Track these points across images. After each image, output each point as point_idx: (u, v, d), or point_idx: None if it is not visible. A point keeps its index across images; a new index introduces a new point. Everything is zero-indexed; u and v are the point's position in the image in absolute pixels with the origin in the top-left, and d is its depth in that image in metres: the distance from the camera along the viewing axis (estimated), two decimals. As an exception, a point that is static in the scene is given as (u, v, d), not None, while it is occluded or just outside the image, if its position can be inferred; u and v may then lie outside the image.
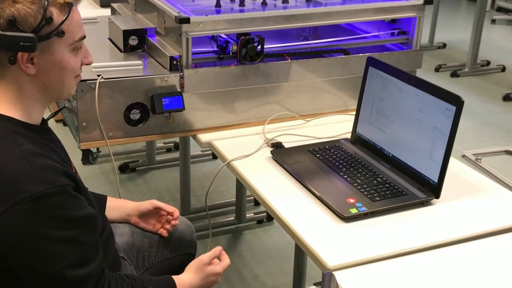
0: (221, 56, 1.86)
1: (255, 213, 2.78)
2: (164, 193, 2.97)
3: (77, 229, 1.14)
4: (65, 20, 1.15)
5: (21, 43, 1.11)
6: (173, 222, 1.59)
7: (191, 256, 1.55)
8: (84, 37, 1.22)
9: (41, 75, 1.17)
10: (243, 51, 1.83)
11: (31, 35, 1.11)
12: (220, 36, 1.91)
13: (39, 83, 1.18)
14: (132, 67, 1.80)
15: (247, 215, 2.74)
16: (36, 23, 1.12)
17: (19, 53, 1.13)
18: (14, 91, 1.17)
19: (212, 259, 1.42)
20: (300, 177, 1.59)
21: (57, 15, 1.14)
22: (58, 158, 1.17)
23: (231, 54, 1.85)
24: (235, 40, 1.86)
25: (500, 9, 6.67)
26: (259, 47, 1.85)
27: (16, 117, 1.17)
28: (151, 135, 1.83)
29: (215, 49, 1.90)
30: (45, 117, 1.30)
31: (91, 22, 2.31)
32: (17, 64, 1.14)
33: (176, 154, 3.27)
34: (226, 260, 1.43)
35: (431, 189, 1.51)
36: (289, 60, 1.93)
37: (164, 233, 1.60)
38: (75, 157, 1.70)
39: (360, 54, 2.00)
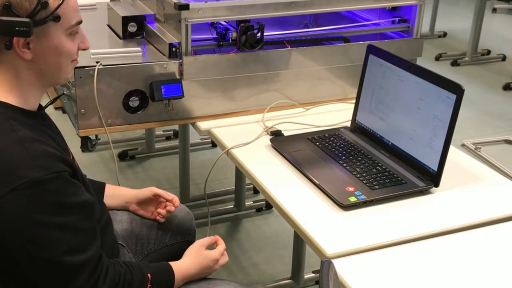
0: (221, 43, 1.85)
1: (254, 201, 2.78)
2: (163, 181, 2.97)
3: (74, 215, 1.14)
4: (60, 4, 1.14)
5: (16, 28, 1.10)
6: (168, 208, 1.58)
7: (190, 244, 1.54)
8: (80, 22, 1.21)
9: (37, 60, 1.17)
10: (242, 38, 1.82)
11: (26, 19, 1.11)
12: (220, 23, 1.90)
13: (35, 68, 1.18)
14: (131, 54, 1.79)
15: (246, 203, 2.75)
16: (31, 8, 1.11)
17: (15, 38, 1.12)
18: (11, 77, 1.17)
19: (209, 244, 1.43)
20: (299, 165, 1.58)
21: (52, 0, 1.14)
22: (55, 144, 1.16)
23: (230, 41, 1.84)
24: (234, 27, 1.85)
25: (501, -2, 6.64)
26: (259, 34, 1.84)
27: (12, 103, 1.16)
28: (150, 122, 1.82)
29: (215, 36, 1.89)
30: (44, 104, 1.29)
31: (90, 8, 2.30)
32: (13, 50, 1.13)
33: (175, 142, 3.27)
34: (221, 245, 1.44)
35: (431, 178, 1.51)
36: (289, 48, 1.92)
37: (159, 219, 1.60)
38: (74, 145, 1.70)
39: (361, 42, 1.99)
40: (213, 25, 1.91)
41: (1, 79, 1.16)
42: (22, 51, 1.14)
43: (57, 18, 1.15)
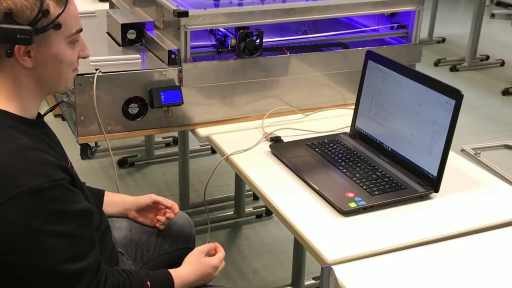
0: (220, 50, 1.85)
1: (254, 208, 2.78)
2: (163, 188, 2.97)
3: (73, 223, 1.14)
4: (61, 12, 1.15)
5: (18, 36, 1.10)
6: (167, 215, 1.58)
7: (190, 251, 1.55)
8: (80, 30, 1.21)
9: (38, 68, 1.17)
10: (241, 45, 1.82)
11: (28, 27, 1.11)
12: (219, 30, 1.90)
13: (35, 76, 1.18)
14: (131, 61, 1.80)
15: (246, 210, 2.74)
16: (32, 16, 1.11)
17: (16, 46, 1.12)
18: (10, 85, 1.17)
19: (208, 251, 1.43)
20: (299, 171, 1.58)
21: (53, 8, 1.14)
22: (53, 152, 1.16)
23: (229, 48, 1.85)
24: (233, 33, 1.85)
25: (499, 4, 6.65)
26: (258, 40, 1.84)
27: (11, 111, 1.16)
28: (149, 129, 1.82)
29: (214, 43, 1.89)
30: (43, 111, 1.29)
31: (89, 16, 2.30)
32: (14, 57, 1.14)
33: (175, 149, 3.26)
34: (221, 252, 1.44)
35: (430, 183, 1.51)
36: (288, 54, 1.92)
37: (159, 226, 1.59)
38: (74, 152, 1.70)
39: (359, 48, 1.99)
40: (212, 31, 1.92)
41: (0, 87, 1.16)
42: (23, 59, 1.14)
43: (58, 26, 1.15)
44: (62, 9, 1.15)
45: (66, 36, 1.18)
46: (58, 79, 1.21)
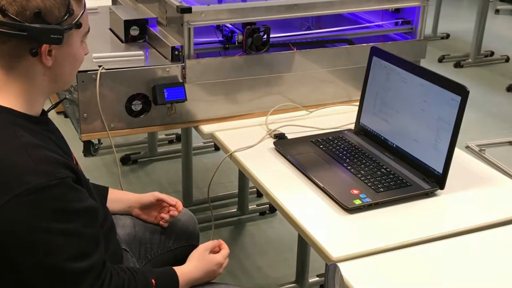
0: (227, 46, 1.84)
1: (257, 205, 2.77)
2: (166, 185, 2.96)
3: (78, 221, 1.13)
4: (83, 12, 1.17)
5: (51, 36, 1.11)
6: (171, 212, 1.58)
7: (194, 248, 1.55)
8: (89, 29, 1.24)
9: (55, 67, 1.17)
10: (248, 41, 1.81)
11: (59, 27, 1.12)
12: (226, 26, 1.89)
13: (51, 75, 1.18)
14: (134, 57, 1.79)
15: (249, 207, 2.74)
16: (60, 15, 1.12)
17: (44, 45, 1.12)
18: (23, 83, 1.16)
19: (212, 248, 1.42)
20: (303, 168, 1.57)
21: (76, 7, 1.16)
22: (58, 150, 1.16)
23: (236, 44, 1.84)
24: (240, 29, 1.84)
25: (504, -1, 6.64)
26: (265, 36, 1.82)
27: (16, 109, 1.16)
28: (152, 126, 1.82)
29: (221, 39, 1.88)
30: (45, 109, 1.28)
31: (91, 12, 2.29)
32: (36, 56, 1.13)
33: (178, 146, 3.26)
34: (225, 249, 1.44)
35: (436, 180, 1.50)
36: (294, 50, 1.91)
37: (163, 224, 1.59)
38: (77, 149, 1.69)
39: (364, 44, 1.98)
40: (219, 28, 1.91)
41: (11, 84, 1.15)
42: (46, 58, 1.14)
43: (79, 26, 1.17)
44: (84, 8, 1.17)
45: (81, 35, 1.20)
46: (70, 77, 1.23)
